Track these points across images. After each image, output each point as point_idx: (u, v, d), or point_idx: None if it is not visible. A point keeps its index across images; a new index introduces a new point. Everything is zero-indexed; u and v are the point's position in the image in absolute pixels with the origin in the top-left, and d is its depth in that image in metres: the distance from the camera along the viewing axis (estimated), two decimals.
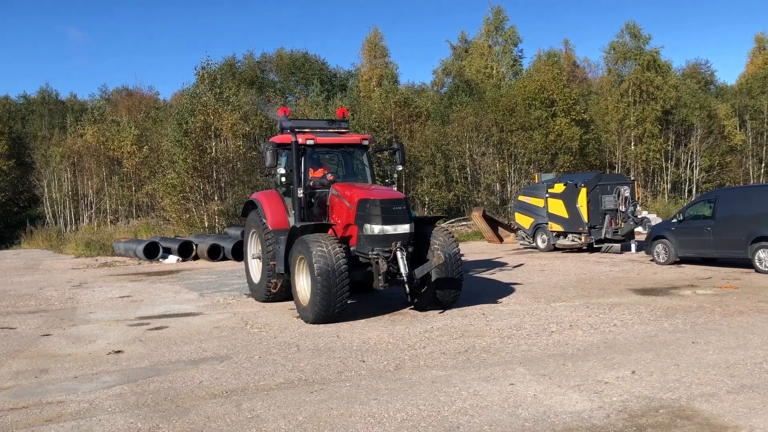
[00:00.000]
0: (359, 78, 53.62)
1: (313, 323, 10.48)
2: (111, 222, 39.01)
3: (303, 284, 10.92)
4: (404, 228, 10.69)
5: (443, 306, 11.31)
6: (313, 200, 12.18)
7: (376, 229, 10.59)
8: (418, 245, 11.12)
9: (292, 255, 11.20)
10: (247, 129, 32.97)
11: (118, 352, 9.20)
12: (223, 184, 31.75)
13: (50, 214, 41.01)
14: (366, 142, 12.81)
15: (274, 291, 12.57)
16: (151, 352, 9.15)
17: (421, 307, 11.39)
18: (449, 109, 41.06)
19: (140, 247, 23.95)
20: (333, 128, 13.17)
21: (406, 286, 10.49)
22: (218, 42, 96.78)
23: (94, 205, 40.24)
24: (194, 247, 23.98)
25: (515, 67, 54.10)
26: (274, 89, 52.01)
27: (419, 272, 10.52)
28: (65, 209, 40.77)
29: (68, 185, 40.40)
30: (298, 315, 11.39)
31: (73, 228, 39.10)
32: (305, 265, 10.66)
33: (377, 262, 10.46)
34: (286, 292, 12.17)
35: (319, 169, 12.58)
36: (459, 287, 11.29)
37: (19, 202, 46.89)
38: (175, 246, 24.01)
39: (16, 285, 17.83)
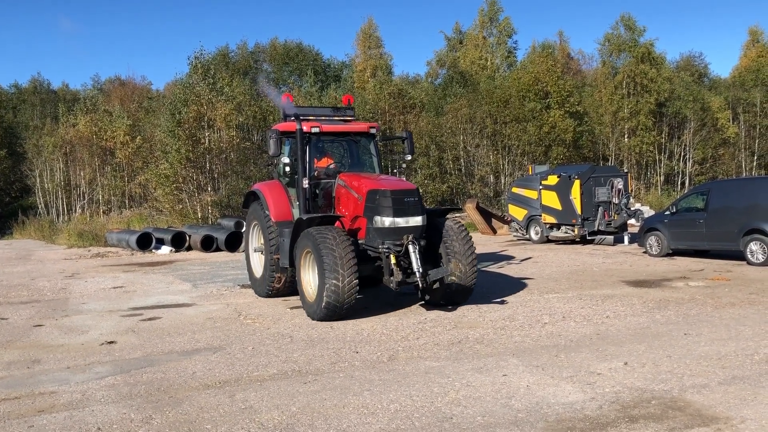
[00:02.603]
0: (353, 69, 53.47)
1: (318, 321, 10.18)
2: (103, 212, 38.89)
3: (309, 279, 10.45)
4: (416, 220, 10.17)
5: (456, 303, 10.84)
6: (317, 191, 11.65)
7: (387, 221, 10.03)
8: (429, 238, 10.59)
9: (298, 248, 10.66)
10: (241, 119, 32.87)
11: (111, 342, 9.18)
12: (216, 175, 31.66)
13: (42, 204, 40.85)
14: (373, 131, 12.23)
15: (278, 286, 12.07)
16: (144, 342, 9.13)
17: (433, 304, 10.90)
18: (443, 101, 41.00)
19: (133, 238, 23.87)
20: (338, 116, 12.63)
21: (419, 282, 9.87)
22: (211, 32, 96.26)
23: (86, 196, 40.08)
24: (187, 238, 23.92)
25: (509, 59, 54.04)
26: (267, 79, 51.79)
27: (433, 275, 10.02)
28: (57, 199, 40.61)
29: (60, 175, 40.23)
30: (291, 306, 11.40)
31: (66, 218, 38.95)
32: (312, 259, 10.20)
33: (388, 257, 9.95)
34: (290, 287, 11.83)
35: (324, 159, 12.09)
36: (470, 291, 10.75)
37: (11, 192, 46.65)
38: (168, 237, 23.94)
39: (8, 275, 17.75)
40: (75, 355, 8.49)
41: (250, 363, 7.83)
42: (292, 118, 11.79)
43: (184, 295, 13.29)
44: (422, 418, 5.78)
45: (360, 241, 10.47)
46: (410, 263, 9.95)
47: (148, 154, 37.42)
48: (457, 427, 5.55)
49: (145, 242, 23.70)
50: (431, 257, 10.54)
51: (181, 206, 31.08)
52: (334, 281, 9.58)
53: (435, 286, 10.50)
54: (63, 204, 40.52)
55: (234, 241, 22.92)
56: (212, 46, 72.04)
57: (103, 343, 9.13)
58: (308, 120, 11.80)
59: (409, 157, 12.53)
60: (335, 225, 10.56)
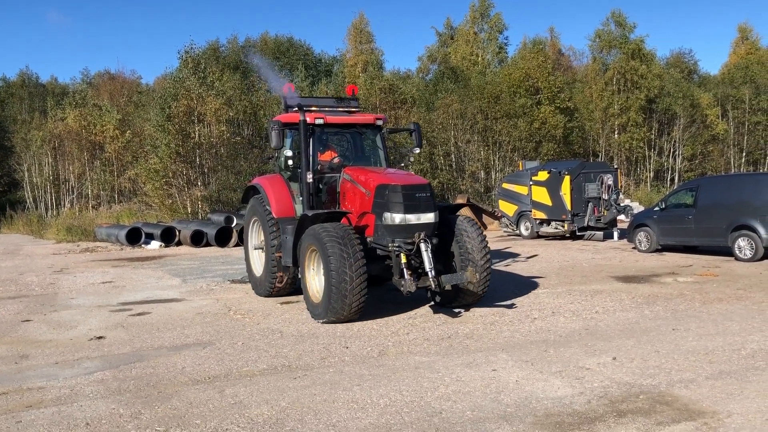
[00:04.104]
0: (344, 64, 53.34)
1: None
2: (93, 207, 38.71)
3: (313, 279, 9.94)
4: (428, 217, 9.59)
5: (467, 305, 10.35)
6: (321, 186, 11.07)
7: (397, 218, 9.46)
8: (440, 235, 10.03)
9: (302, 246, 10.09)
10: (231, 114, 32.76)
11: (100, 337, 9.14)
12: (206, 170, 31.54)
13: (31, 198, 40.65)
14: (380, 122, 11.65)
15: (280, 285, 11.54)
16: (133, 338, 9.09)
17: (441, 305, 10.38)
18: (434, 96, 40.99)
19: (122, 233, 23.77)
20: (342, 107, 12.09)
21: (432, 283, 9.21)
22: (202, 26, 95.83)
23: (75, 190, 39.89)
24: (177, 233, 23.85)
25: (500, 55, 54.04)
26: (258, 74, 51.62)
27: (446, 281, 9.34)
28: (46, 194, 40.40)
29: (49, 170, 40.03)
30: (281, 302, 11.38)
31: (54, 213, 38.77)
32: (317, 258, 9.69)
33: (398, 256, 9.36)
34: (292, 286, 11.54)
35: (327, 152, 11.53)
36: (482, 294, 10.28)
37: None
38: (157, 232, 23.85)
39: None
40: (63, 351, 8.45)
41: (239, 358, 7.82)
42: (295, 108, 11.24)
43: (174, 290, 13.24)
44: (412, 413, 5.79)
45: (368, 239, 9.96)
46: (421, 262, 9.43)
47: (138, 148, 37.23)
48: (447, 422, 5.56)
49: (134, 237, 23.60)
50: (442, 255, 10.07)
51: (170, 201, 30.97)
52: (334, 317, 9.35)
53: (446, 288, 9.80)
54: (52, 198, 40.31)
55: (224, 236, 22.89)
56: (202, 41, 71.61)
57: (91, 339, 9.09)
58: (311, 111, 11.25)
59: (417, 150, 12.02)
60: (341, 221, 10.10)
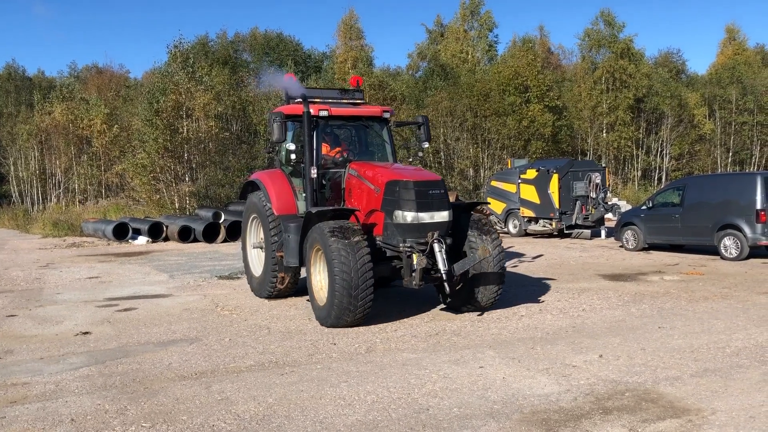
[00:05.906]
0: (334, 60, 53.25)
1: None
2: (79, 202, 38.48)
3: (320, 279, 9.37)
4: (442, 216, 9.03)
5: (482, 307, 9.73)
6: (324, 181, 10.47)
7: (409, 216, 8.89)
8: (453, 236, 9.49)
9: (307, 244, 9.57)
10: (220, 109, 32.63)
11: (86, 333, 9.08)
12: (194, 165, 31.41)
13: (17, 193, 40.33)
14: (387, 115, 11.07)
15: (281, 286, 10.95)
16: (120, 333, 9.04)
17: (456, 308, 9.86)
18: (424, 93, 41.03)
19: (109, 228, 23.62)
20: (346, 99, 11.54)
21: (445, 284, 8.76)
22: (191, 20, 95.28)
23: (62, 185, 39.61)
24: (164, 229, 23.72)
25: (490, 53, 54.17)
26: (247, 69, 51.42)
27: (459, 268, 8.86)
28: (32, 188, 40.09)
29: (35, 164, 39.72)
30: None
31: (41, 207, 38.49)
32: (322, 258, 9.10)
33: (409, 257, 8.85)
34: (294, 287, 11.11)
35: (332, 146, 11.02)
36: (501, 284, 9.66)
37: None
38: (144, 227, 23.72)
39: None
40: (49, 346, 8.39)
41: (226, 354, 7.79)
42: (297, 100, 10.67)
43: (161, 286, 13.17)
44: (399, 410, 5.80)
45: (377, 238, 9.38)
46: (434, 263, 8.81)
47: (126, 143, 37.03)
48: (434, 419, 5.57)
49: (121, 232, 23.46)
50: (453, 257, 9.34)
51: (158, 196, 30.83)
52: (337, 321, 8.92)
53: (459, 287, 9.39)
54: (38, 193, 40.03)
55: (211, 232, 22.79)
56: (191, 35, 71.37)
57: (77, 334, 9.03)
58: (314, 102, 10.64)
59: (426, 145, 11.28)
60: (349, 219, 9.50)
